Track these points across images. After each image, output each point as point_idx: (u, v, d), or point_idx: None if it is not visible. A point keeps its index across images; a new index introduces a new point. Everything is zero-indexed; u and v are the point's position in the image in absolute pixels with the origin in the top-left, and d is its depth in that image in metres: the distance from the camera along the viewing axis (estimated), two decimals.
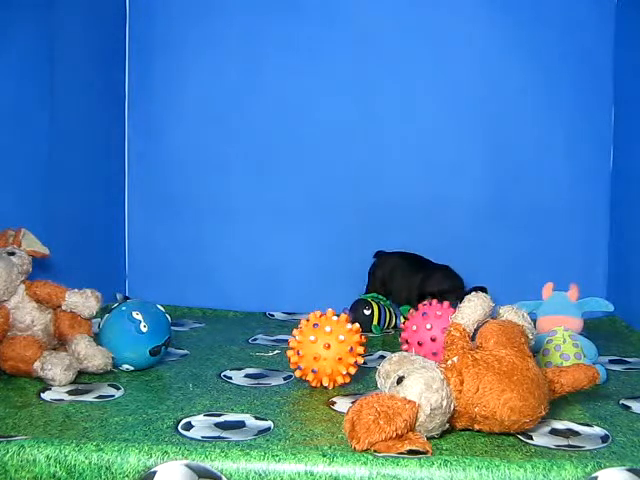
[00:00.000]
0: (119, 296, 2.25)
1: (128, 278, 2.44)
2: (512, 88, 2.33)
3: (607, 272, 2.33)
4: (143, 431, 1.18)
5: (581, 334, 1.59)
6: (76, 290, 1.59)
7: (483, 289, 1.90)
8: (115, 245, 2.39)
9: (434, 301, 1.67)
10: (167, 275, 2.42)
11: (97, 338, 1.58)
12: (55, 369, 1.45)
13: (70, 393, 1.41)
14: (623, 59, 2.24)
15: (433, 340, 1.56)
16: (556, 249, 2.33)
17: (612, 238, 2.31)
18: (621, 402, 1.40)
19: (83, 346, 1.53)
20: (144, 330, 1.54)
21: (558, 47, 2.30)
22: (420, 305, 1.68)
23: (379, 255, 2.27)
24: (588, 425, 1.25)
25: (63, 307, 1.58)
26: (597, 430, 1.22)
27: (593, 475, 1.00)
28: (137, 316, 1.55)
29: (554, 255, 2.32)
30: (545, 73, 2.31)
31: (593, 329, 1.98)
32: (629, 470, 1.01)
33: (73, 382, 1.47)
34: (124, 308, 1.58)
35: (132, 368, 1.57)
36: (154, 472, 1.03)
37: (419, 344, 1.58)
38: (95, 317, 1.63)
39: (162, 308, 1.64)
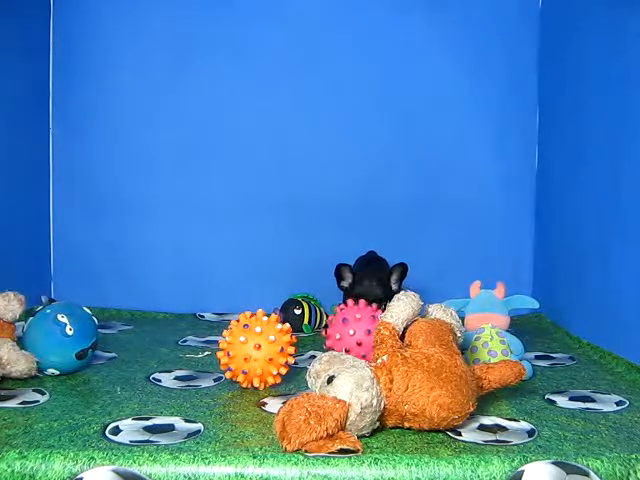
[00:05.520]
0: (44, 298, 2.18)
1: (53, 280, 2.38)
2: (440, 88, 2.36)
3: (533, 270, 2.37)
4: (69, 437, 1.14)
5: (508, 331, 1.62)
6: None
7: (403, 265, 1.95)
8: (40, 245, 2.33)
9: (350, 302, 1.64)
10: (94, 276, 2.37)
11: (21, 342, 1.54)
12: None
13: None
14: (547, 61, 2.29)
15: (359, 345, 1.55)
16: (483, 248, 2.37)
17: (537, 237, 2.36)
18: (547, 397, 1.43)
19: (6, 350, 1.47)
20: (70, 333, 1.50)
21: (485, 48, 2.34)
22: (338, 310, 1.64)
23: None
24: (515, 420, 1.27)
25: None
26: (524, 425, 1.25)
27: (520, 469, 1.02)
28: (62, 319, 1.51)
29: (481, 253, 2.36)
30: (472, 74, 2.35)
31: (519, 326, 2.02)
32: (554, 463, 1.03)
33: None
34: (49, 311, 1.54)
35: (58, 372, 1.53)
36: (80, 479, 1.00)
37: (347, 352, 1.55)
38: (19, 320, 1.58)
39: (89, 310, 1.61)
